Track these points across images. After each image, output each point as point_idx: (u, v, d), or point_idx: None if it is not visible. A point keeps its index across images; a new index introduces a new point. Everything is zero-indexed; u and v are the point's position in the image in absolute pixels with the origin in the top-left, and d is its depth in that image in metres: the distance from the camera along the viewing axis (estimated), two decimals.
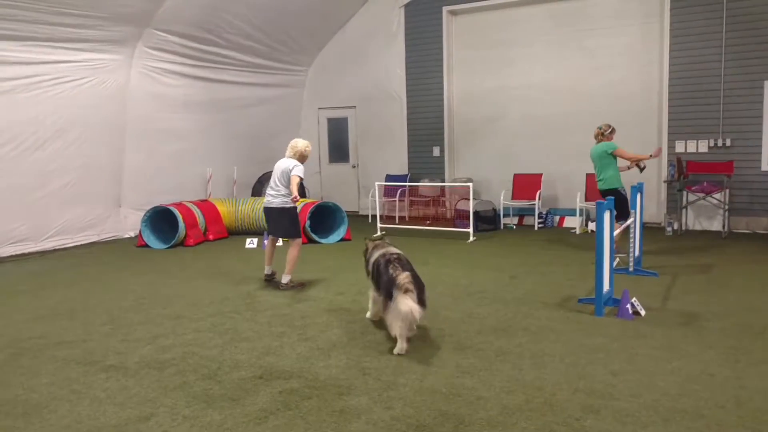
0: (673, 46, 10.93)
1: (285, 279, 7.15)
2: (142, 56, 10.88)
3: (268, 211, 7.25)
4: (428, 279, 7.44)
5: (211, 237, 10.65)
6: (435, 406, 3.87)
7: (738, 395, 3.92)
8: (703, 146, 10.78)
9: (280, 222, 7.19)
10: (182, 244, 10.14)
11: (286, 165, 7.06)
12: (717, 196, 10.32)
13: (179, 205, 10.34)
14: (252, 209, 11.04)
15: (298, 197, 6.98)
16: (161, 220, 10.34)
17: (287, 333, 5.43)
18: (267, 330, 5.54)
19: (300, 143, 7.25)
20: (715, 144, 10.66)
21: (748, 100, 10.43)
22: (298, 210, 7.45)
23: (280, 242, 8.60)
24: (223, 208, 11.09)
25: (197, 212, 10.50)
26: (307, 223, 10.09)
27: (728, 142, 10.59)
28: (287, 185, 6.99)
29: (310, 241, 10.18)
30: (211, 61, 12.19)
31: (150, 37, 10.71)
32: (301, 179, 6.98)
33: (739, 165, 10.44)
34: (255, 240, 10.10)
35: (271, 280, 7.42)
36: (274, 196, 7.11)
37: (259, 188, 13.30)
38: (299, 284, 7.19)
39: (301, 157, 7.19)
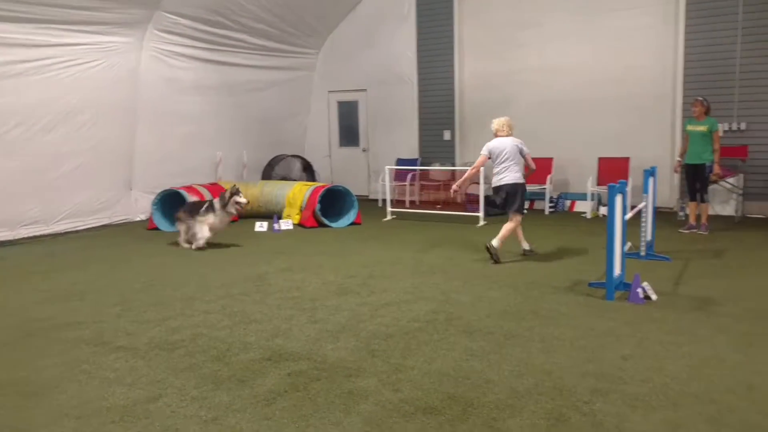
0: (688, 28, 10.76)
1: (495, 242, 7.58)
2: (152, 39, 10.85)
3: (505, 187, 7.66)
4: (438, 262, 7.48)
5: None
6: (443, 388, 3.86)
7: (750, 380, 3.88)
8: None
9: (514, 196, 7.64)
10: None
11: (513, 143, 7.64)
12: (731, 180, 10.18)
13: (189, 188, 10.35)
14: (261, 193, 11.03)
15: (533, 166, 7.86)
16: (172, 203, 10.35)
17: (296, 315, 5.43)
18: (276, 312, 5.54)
19: (508, 120, 7.92)
20: (730, 128, 10.51)
21: (765, 84, 10.27)
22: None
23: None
24: None
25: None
26: (317, 206, 10.08)
27: (743, 126, 10.44)
28: (518, 162, 7.64)
29: (320, 224, 10.18)
30: (221, 44, 12.15)
31: (160, 20, 10.67)
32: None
33: (753, 149, 10.30)
34: (264, 223, 10.10)
35: (530, 253, 7.90)
36: (507, 173, 7.61)
37: (269, 172, 13.28)
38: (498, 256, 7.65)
39: (512, 130, 7.86)
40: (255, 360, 4.40)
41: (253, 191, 11.13)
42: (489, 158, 7.80)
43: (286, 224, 10.12)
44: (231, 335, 4.94)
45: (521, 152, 7.63)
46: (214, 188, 10.83)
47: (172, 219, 10.24)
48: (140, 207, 11.18)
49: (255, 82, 13.21)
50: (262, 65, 13.25)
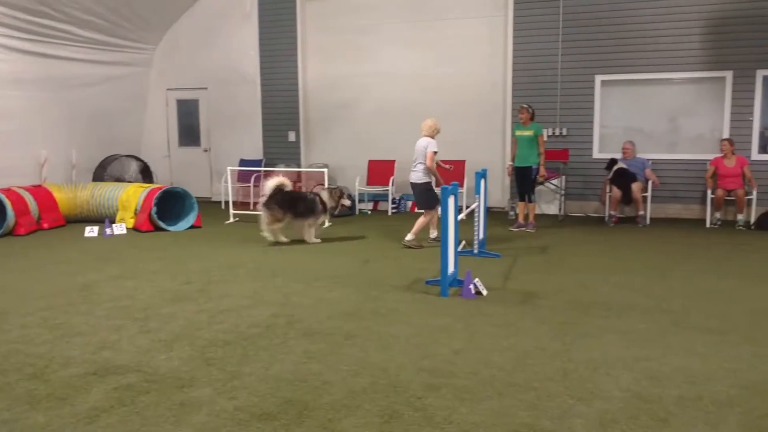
0: (516, 40, 11.51)
1: (409, 237, 8.35)
2: None
3: (412, 186, 8.50)
4: (281, 265, 7.40)
5: (45, 225, 9.85)
6: (280, 393, 3.81)
7: (565, 367, 4.20)
8: None
9: (419, 195, 8.42)
10: (12, 233, 9.30)
11: (422, 143, 8.26)
12: (554, 181, 11.02)
13: (7, 190, 9.46)
14: (92, 195, 10.33)
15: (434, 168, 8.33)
16: None
17: (126, 326, 5.13)
18: (104, 323, 5.20)
19: (431, 121, 8.35)
20: (553, 133, 11.38)
21: (582, 93, 11.23)
22: (433, 184, 8.40)
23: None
24: (59, 195, 10.28)
25: (29, 198, 9.66)
26: (154, 209, 9.62)
27: (564, 131, 11.35)
28: (425, 162, 8.20)
29: (157, 228, 9.72)
30: (45, 36, 11.23)
31: None
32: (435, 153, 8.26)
33: (573, 153, 11.23)
34: (95, 228, 9.46)
35: (436, 242, 8.38)
36: (414, 173, 8.38)
37: (101, 173, 12.47)
38: (419, 246, 8.34)
39: (436, 132, 8.33)
40: (78, 375, 4.10)
41: (83, 194, 10.41)
42: None
43: (119, 228, 9.55)
44: (51, 350, 4.57)
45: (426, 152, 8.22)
46: (38, 191, 10.00)
47: None
48: None
49: (84, 76, 12.35)
50: (92, 59, 12.43)
